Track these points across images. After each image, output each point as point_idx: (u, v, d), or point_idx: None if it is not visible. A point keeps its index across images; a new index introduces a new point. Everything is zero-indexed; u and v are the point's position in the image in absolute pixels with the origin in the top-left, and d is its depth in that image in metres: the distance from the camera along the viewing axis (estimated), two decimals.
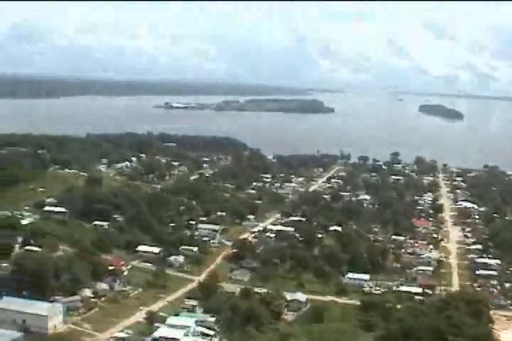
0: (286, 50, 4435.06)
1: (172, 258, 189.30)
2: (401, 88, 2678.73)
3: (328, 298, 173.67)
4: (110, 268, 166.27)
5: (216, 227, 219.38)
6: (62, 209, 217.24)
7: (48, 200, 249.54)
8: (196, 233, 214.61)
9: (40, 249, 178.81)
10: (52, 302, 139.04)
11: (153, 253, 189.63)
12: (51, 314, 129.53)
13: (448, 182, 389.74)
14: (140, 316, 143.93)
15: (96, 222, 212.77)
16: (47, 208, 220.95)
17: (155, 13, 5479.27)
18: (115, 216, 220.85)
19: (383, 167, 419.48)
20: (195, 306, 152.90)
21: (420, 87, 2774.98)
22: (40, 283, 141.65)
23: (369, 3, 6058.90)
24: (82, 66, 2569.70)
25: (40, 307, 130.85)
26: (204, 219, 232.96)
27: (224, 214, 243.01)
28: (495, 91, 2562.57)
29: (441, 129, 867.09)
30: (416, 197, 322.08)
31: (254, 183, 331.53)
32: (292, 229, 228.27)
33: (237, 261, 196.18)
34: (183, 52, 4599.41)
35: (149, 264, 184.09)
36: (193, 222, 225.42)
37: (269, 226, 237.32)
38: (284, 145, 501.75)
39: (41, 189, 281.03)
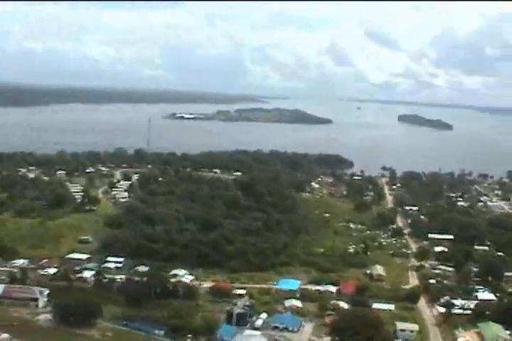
0: (223, 56, 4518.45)
1: None
2: (338, 94, 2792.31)
3: None
4: None
5: None
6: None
7: None
8: None
9: None
10: None
11: None
12: None
13: None
14: None
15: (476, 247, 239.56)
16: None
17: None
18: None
19: None
20: None
21: (357, 93, 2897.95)
22: None
23: (313, 10, 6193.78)
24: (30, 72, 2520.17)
25: None
26: None
27: None
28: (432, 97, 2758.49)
29: (458, 141, 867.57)
30: None
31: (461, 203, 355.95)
32: None
33: None
34: (125, 59, 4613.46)
35: None
36: None
37: None
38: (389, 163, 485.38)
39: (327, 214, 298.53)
